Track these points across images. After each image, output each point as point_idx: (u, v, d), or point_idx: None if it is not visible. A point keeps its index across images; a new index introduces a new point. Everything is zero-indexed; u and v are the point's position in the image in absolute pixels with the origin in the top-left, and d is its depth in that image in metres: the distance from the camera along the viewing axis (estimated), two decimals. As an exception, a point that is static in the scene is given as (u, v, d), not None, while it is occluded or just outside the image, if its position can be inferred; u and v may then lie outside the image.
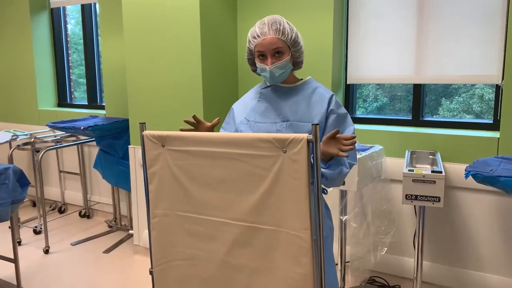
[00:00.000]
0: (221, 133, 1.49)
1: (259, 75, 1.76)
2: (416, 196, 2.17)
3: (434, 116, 2.91)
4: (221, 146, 1.37)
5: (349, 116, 1.72)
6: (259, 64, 1.68)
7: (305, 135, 1.22)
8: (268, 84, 1.78)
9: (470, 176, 1.96)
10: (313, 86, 1.76)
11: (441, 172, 2.15)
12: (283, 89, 1.76)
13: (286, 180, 1.27)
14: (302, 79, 1.80)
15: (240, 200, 1.36)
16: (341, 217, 2.57)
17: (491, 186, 1.94)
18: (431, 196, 2.15)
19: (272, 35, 1.63)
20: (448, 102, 2.93)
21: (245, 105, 1.81)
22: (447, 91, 2.93)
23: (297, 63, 1.74)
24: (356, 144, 2.56)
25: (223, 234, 1.41)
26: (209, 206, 1.43)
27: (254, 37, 1.67)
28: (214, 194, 1.41)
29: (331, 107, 1.68)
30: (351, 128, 1.70)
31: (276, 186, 1.29)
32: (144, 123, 1.55)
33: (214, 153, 1.38)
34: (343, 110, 1.71)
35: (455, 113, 2.91)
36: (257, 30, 1.66)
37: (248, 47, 1.73)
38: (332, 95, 1.71)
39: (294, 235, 1.28)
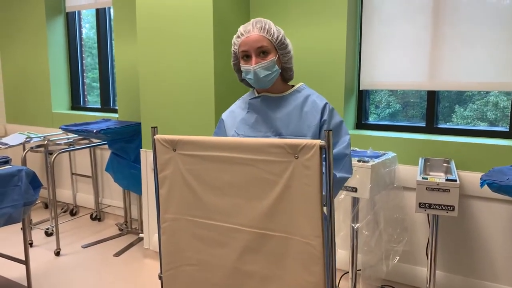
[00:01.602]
0: (233, 138, 1.47)
1: (246, 83, 1.67)
2: (430, 204, 2.13)
3: (448, 123, 2.87)
4: (232, 151, 1.35)
5: (344, 125, 1.62)
6: (243, 66, 1.59)
7: (317, 141, 1.20)
8: (257, 95, 1.68)
9: (486, 185, 1.92)
10: (305, 94, 1.64)
11: (455, 180, 2.12)
12: (272, 99, 1.65)
13: (297, 187, 1.25)
14: (293, 86, 1.70)
15: (250, 206, 1.34)
16: (353, 225, 2.54)
17: (507, 196, 1.90)
18: (445, 205, 2.11)
19: (257, 33, 1.56)
20: (461, 110, 2.88)
21: (234, 116, 1.72)
22: (460, 98, 2.88)
23: (285, 70, 1.64)
24: (368, 151, 2.57)
25: (233, 240, 1.40)
26: (220, 212, 1.41)
27: (238, 36, 1.60)
28: (225, 199, 1.40)
29: (324, 117, 1.58)
30: (346, 138, 1.59)
31: (288, 193, 1.27)
32: (156, 127, 1.55)
33: (225, 158, 1.37)
34: (337, 119, 1.61)
35: (468, 121, 2.86)
36: (241, 29, 1.60)
37: (233, 51, 1.65)
38: (326, 103, 1.60)
39: (305, 242, 1.26)
